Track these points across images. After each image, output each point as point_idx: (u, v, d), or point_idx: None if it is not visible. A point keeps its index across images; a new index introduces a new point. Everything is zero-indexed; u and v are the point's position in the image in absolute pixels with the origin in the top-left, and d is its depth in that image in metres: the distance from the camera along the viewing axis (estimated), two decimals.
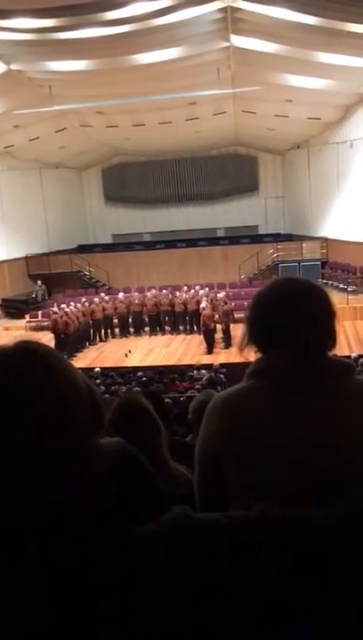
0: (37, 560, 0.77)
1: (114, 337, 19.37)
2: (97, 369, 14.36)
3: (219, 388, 10.55)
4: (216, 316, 17.20)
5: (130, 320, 19.46)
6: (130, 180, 27.93)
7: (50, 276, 24.70)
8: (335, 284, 21.40)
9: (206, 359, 15.91)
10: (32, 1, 11.12)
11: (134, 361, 16.46)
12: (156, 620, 0.76)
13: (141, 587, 0.77)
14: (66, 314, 17.62)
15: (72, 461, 0.83)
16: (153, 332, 19.28)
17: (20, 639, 0.75)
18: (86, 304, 19.12)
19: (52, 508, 0.79)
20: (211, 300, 18.09)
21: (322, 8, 11.56)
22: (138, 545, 0.80)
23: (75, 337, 17.64)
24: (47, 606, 0.75)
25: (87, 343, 18.51)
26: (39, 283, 24.24)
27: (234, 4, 12.37)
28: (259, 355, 1.44)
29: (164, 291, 20.02)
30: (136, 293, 20.14)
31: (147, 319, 19.39)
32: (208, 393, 4.23)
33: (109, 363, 16.35)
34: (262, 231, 27.62)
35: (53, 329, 17.32)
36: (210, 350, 16.71)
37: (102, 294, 20.90)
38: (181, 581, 0.77)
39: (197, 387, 11.96)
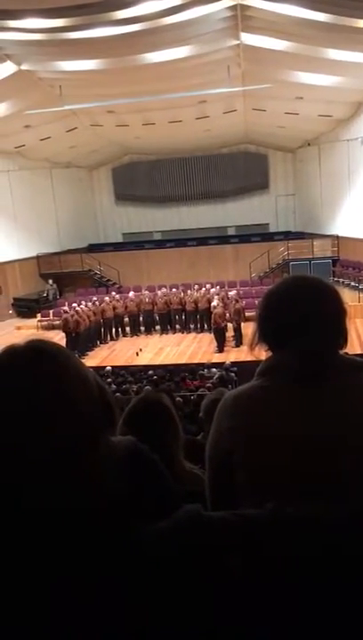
0: (47, 559, 0.77)
1: (125, 336, 19.39)
2: (108, 368, 14.42)
3: (230, 386, 10.53)
4: (227, 315, 17.18)
5: (141, 319, 19.50)
6: (140, 178, 27.95)
7: (61, 275, 24.82)
8: (347, 281, 21.33)
9: (217, 357, 15.91)
10: (42, 1, 11.15)
11: (145, 359, 16.48)
12: (166, 616, 0.76)
13: (152, 584, 0.77)
14: (77, 313, 17.68)
15: (82, 460, 0.83)
16: (164, 331, 19.30)
17: (30, 637, 0.76)
18: (97, 303, 19.15)
19: (61, 508, 0.79)
20: (222, 299, 18.07)
21: (332, 4, 11.49)
22: (149, 543, 0.80)
23: (86, 336, 17.69)
24: (56, 605, 0.76)
25: (98, 342, 18.57)
26: (50, 282, 24.35)
27: (244, 2, 12.34)
28: (270, 353, 1.44)
29: (174, 289, 20.03)
30: (147, 292, 20.15)
31: (158, 318, 19.40)
32: (220, 391, 4.22)
33: (120, 361, 16.37)
34: (272, 229, 27.59)
35: (64, 328, 17.39)
36: (221, 349, 16.69)
37: (113, 293, 20.95)
38: (191, 578, 0.77)
39: (208, 385, 11.97)
